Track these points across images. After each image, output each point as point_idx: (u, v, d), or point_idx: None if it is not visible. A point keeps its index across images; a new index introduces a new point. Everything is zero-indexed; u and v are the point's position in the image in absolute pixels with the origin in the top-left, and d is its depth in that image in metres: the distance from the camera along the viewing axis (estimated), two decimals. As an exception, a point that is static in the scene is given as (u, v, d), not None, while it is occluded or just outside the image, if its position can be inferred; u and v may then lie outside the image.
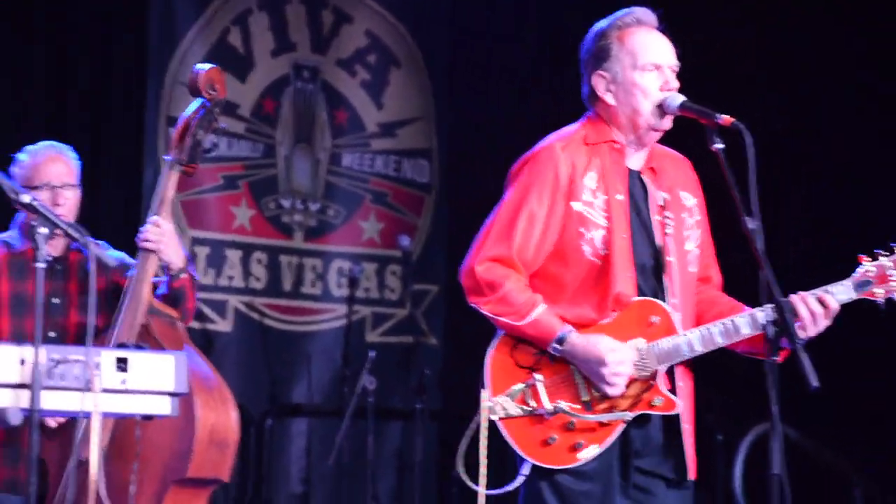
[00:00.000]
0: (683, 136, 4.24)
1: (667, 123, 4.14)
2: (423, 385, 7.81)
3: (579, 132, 4.19)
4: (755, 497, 7.04)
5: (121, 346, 4.38)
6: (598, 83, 4.16)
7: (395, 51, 8.88)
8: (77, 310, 4.82)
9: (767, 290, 3.88)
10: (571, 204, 4.10)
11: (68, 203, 4.79)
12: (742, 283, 4.35)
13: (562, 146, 4.14)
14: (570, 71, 4.46)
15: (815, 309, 4.03)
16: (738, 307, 4.18)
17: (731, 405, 7.23)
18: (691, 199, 4.27)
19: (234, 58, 8.38)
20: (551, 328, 4.03)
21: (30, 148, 4.89)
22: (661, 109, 4.10)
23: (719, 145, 3.96)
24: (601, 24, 4.21)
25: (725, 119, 3.96)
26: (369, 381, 7.63)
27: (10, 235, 4.91)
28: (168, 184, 4.65)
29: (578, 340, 4.02)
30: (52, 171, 4.82)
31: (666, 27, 4.20)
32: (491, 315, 4.09)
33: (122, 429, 4.44)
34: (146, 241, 4.60)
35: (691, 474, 4.13)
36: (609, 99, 4.15)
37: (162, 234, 4.60)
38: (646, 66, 4.10)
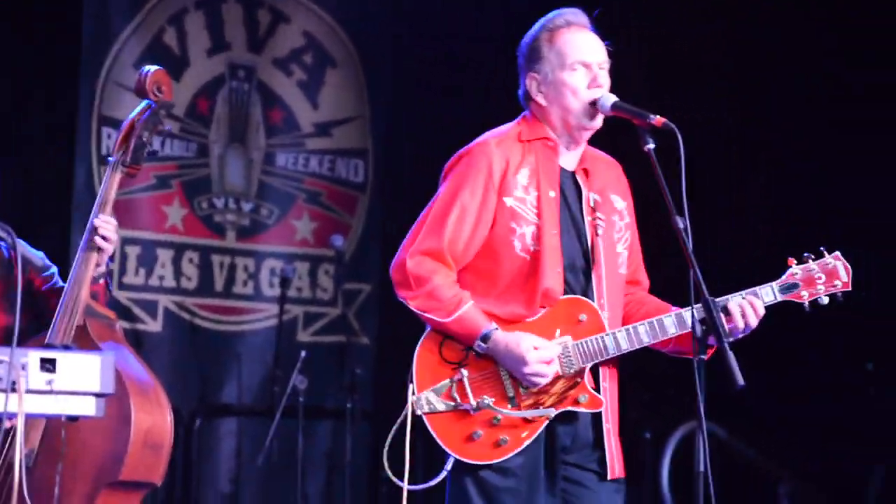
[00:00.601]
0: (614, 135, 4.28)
1: (597, 123, 4.19)
2: (354, 385, 7.81)
3: (514, 129, 4.24)
4: (682, 494, 7.09)
5: (48, 346, 4.35)
6: (531, 84, 4.22)
7: (331, 51, 8.87)
8: (1, 309, 4.78)
9: (696, 287, 3.91)
10: (504, 199, 4.14)
11: None
12: (674, 286, 4.39)
13: (496, 142, 4.18)
14: (507, 71, 4.48)
15: (746, 310, 4.08)
16: (666, 308, 4.23)
17: (659, 403, 7.29)
18: (621, 202, 4.32)
19: (169, 57, 8.34)
20: (476, 325, 4.07)
21: None
22: (593, 108, 4.13)
23: (651, 145, 4.00)
24: (534, 27, 4.26)
25: (658, 119, 4.01)
26: (300, 380, 7.63)
27: None
28: (112, 185, 4.64)
29: (502, 338, 4.06)
30: None
31: (597, 27, 4.26)
32: (418, 311, 4.12)
33: (54, 430, 4.40)
34: (105, 237, 4.56)
35: (613, 473, 4.17)
36: (541, 99, 4.20)
37: (115, 231, 4.59)
38: (573, 65, 4.15)
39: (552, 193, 4.16)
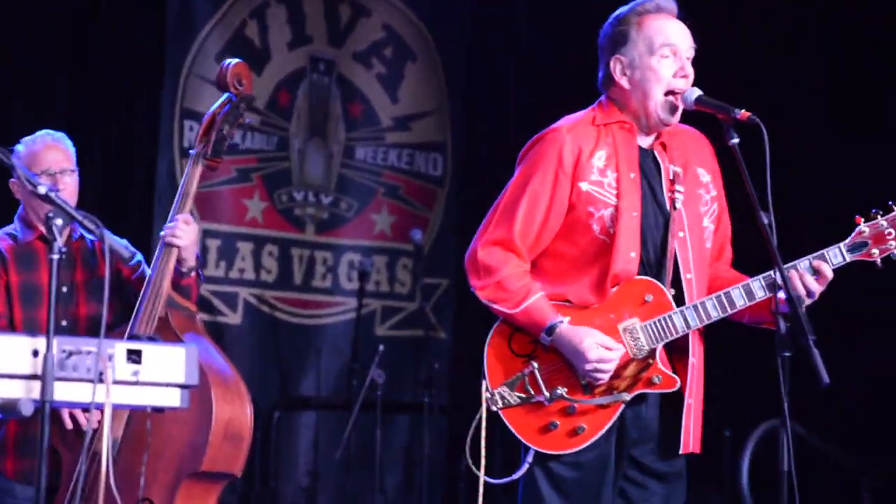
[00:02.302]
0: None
1: (675, 118, 4.16)
2: (431, 379, 7.82)
3: (588, 115, 4.23)
4: (763, 493, 7.04)
5: (133, 337, 4.39)
6: (615, 67, 4.19)
7: (411, 45, 8.89)
8: (86, 298, 4.84)
9: (783, 284, 3.89)
10: (579, 184, 4.12)
11: (68, 188, 4.82)
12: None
13: (567, 128, 4.18)
14: (585, 64, 4.47)
15: (809, 284, 4.03)
16: (744, 279, 4.18)
17: (739, 400, 7.23)
18: (706, 175, 4.29)
19: (251, 50, 8.39)
20: (543, 317, 4.07)
21: (26, 139, 4.92)
22: (674, 100, 4.10)
23: (735, 140, 3.97)
24: (621, 9, 4.24)
25: (743, 114, 3.97)
26: (378, 374, 7.64)
27: (13, 227, 4.93)
28: (193, 177, 4.68)
29: (566, 332, 4.05)
30: (50, 158, 4.85)
31: (686, 16, 4.22)
32: (486, 301, 4.13)
33: (138, 421, 4.45)
34: (174, 236, 4.61)
35: (686, 447, 4.13)
36: (624, 83, 4.18)
37: (190, 232, 4.62)
38: (661, 52, 4.12)
39: (632, 175, 4.15)
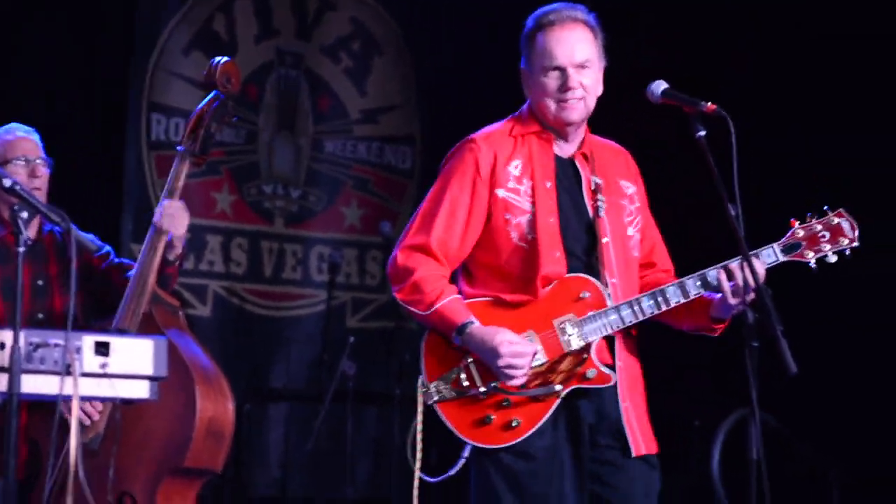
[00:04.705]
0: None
1: (574, 116, 4.16)
2: (402, 370, 7.82)
3: (506, 125, 4.26)
4: (733, 482, 7.07)
5: (102, 331, 4.38)
6: (522, 78, 4.26)
7: (378, 38, 8.89)
8: (60, 291, 4.83)
9: (752, 274, 3.91)
10: (496, 191, 4.15)
11: (43, 177, 4.81)
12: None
13: (483, 138, 4.21)
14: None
15: (747, 277, 4.03)
16: None
17: (708, 390, 7.26)
18: (631, 187, 4.32)
19: (218, 44, 8.37)
20: (453, 318, 4.07)
21: None
22: (562, 108, 4.14)
23: (702, 133, 3.99)
24: (527, 22, 4.28)
25: (709, 106, 4.00)
26: (349, 366, 7.65)
27: None
28: (180, 173, 4.70)
29: (477, 331, 4.05)
30: (26, 146, 4.86)
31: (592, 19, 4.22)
32: (402, 303, 4.14)
33: (120, 415, 4.44)
34: (171, 216, 4.60)
35: (638, 451, 4.13)
36: (528, 94, 4.25)
37: (185, 217, 4.64)
38: (545, 70, 4.16)
39: (548, 184, 4.17)
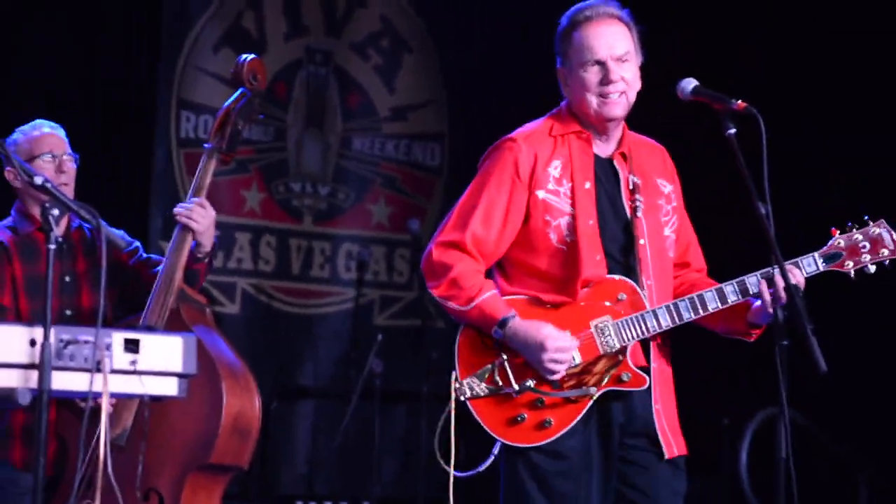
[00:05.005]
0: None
1: (619, 112, 4.15)
2: (430, 368, 7.82)
3: (545, 124, 4.24)
4: (761, 481, 7.05)
5: (130, 328, 4.39)
6: (560, 78, 4.24)
7: (407, 35, 8.89)
8: (88, 287, 4.84)
9: (781, 273, 3.89)
10: (536, 193, 4.13)
11: (70, 172, 4.82)
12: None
13: (523, 137, 4.19)
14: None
15: (786, 282, 4.02)
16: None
17: (737, 389, 7.24)
18: (668, 186, 4.30)
19: (247, 41, 8.39)
20: (494, 312, 4.06)
21: (22, 127, 4.92)
22: (605, 103, 4.13)
23: (732, 130, 3.98)
24: (561, 21, 4.27)
25: (740, 104, 3.99)
26: (376, 363, 7.65)
27: (12, 220, 4.93)
28: (207, 171, 4.71)
29: (520, 325, 4.05)
30: (53, 142, 4.86)
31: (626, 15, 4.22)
32: (439, 299, 4.13)
33: (151, 412, 4.45)
34: (190, 218, 4.61)
35: (670, 453, 4.13)
36: (567, 93, 4.23)
37: (206, 215, 4.64)
38: (586, 64, 4.14)
39: (587, 185, 4.16)
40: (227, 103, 4.71)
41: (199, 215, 4.63)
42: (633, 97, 4.16)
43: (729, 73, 7.68)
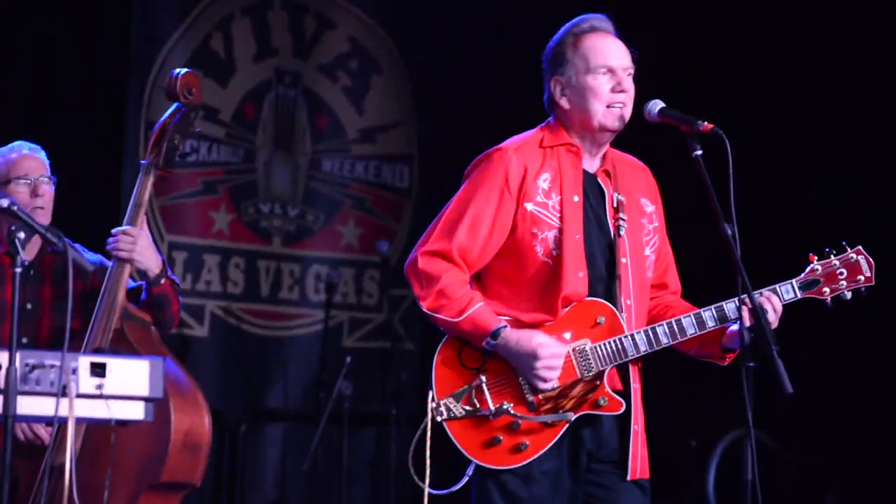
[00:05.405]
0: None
1: (619, 125, 4.17)
2: (399, 390, 7.82)
3: (536, 136, 4.24)
4: (729, 503, 7.06)
5: (97, 351, 4.37)
6: (556, 88, 4.22)
7: (376, 57, 8.90)
8: (50, 315, 4.80)
9: (745, 293, 3.90)
10: (524, 205, 4.13)
11: (46, 195, 4.79)
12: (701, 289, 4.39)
13: (514, 148, 4.19)
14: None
15: (755, 309, 4.03)
16: (693, 310, 4.20)
17: (704, 411, 7.25)
18: (650, 206, 4.32)
19: (216, 63, 8.39)
20: (486, 322, 4.06)
21: (1, 149, 4.89)
22: (613, 113, 4.13)
23: (699, 152, 3.99)
24: (559, 31, 4.27)
25: (706, 126, 3.99)
26: (345, 386, 7.64)
27: None
28: (144, 188, 4.64)
29: (512, 335, 4.05)
30: (29, 165, 4.83)
31: (622, 33, 4.25)
32: (428, 311, 4.12)
33: (94, 434, 4.42)
34: (117, 249, 4.58)
35: (634, 474, 4.14)
36: (564, 103, 4.20)
37: (133, 241, 4.57)
38: (598, 70, 4.14)
39: (576, 198, 4.16)
40: (162, 118, 4.67)
41: (125, 243, 4.57)
42: (629, 114, 4.18)
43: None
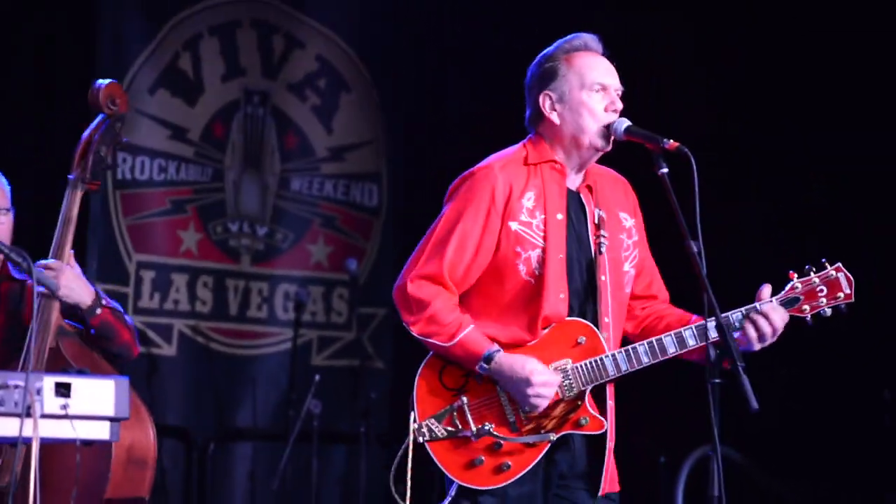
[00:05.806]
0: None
1: (609, 145, 4.18)
2: (369, 409, 7.80)
3: (520, 152, 4.24)
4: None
5: (62, 371, 4.33)
6: (545, 102, 4.21)
7: (345, 76, 8.90)
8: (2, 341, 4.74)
9: (710, 310, 3.91)
10: (509, 223, 4.14)
11: (2, 227, 4.75)
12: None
13: (500, 166, 4.19)
14: (519, 97, 4.49)
15: (759, 322, 4.06)
16: (687, 318, 4.22)
17: (673, 427, 7.25)
18: (629, 220, 4.33)
19: (184, 82, 8.38)
20: (478, 347, 4.07)
21: None
22: (608, 131, 4.13)
23: (664, 170, 4.00)
24: (548, 49, 4.27)
25: (671, 144, 4.01)
26: (314, 404, 7.62)
27: None
28: (73, 203, 4.60)
29: (505, 360, 4.06)
30: None
31: (611, 54, 4.26)
32: (419, 336, 4.12)
33: (45, 455, 4.38)
34: (41, 283, 4.43)
35: (604, 490, 4.15)
36: (554, 118, 4.20)
37: (56, 276, 4.50)
38: (592, 86, 4.16)
39: (559, 216, 4.17)
40: (86, 132, 4.65)
41: (46, 278, 4.50)
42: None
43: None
